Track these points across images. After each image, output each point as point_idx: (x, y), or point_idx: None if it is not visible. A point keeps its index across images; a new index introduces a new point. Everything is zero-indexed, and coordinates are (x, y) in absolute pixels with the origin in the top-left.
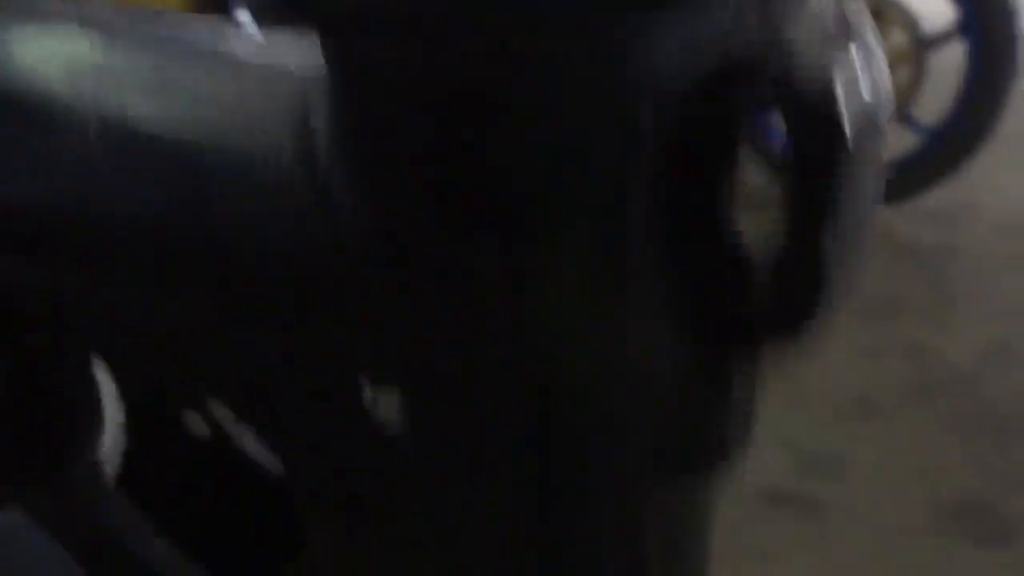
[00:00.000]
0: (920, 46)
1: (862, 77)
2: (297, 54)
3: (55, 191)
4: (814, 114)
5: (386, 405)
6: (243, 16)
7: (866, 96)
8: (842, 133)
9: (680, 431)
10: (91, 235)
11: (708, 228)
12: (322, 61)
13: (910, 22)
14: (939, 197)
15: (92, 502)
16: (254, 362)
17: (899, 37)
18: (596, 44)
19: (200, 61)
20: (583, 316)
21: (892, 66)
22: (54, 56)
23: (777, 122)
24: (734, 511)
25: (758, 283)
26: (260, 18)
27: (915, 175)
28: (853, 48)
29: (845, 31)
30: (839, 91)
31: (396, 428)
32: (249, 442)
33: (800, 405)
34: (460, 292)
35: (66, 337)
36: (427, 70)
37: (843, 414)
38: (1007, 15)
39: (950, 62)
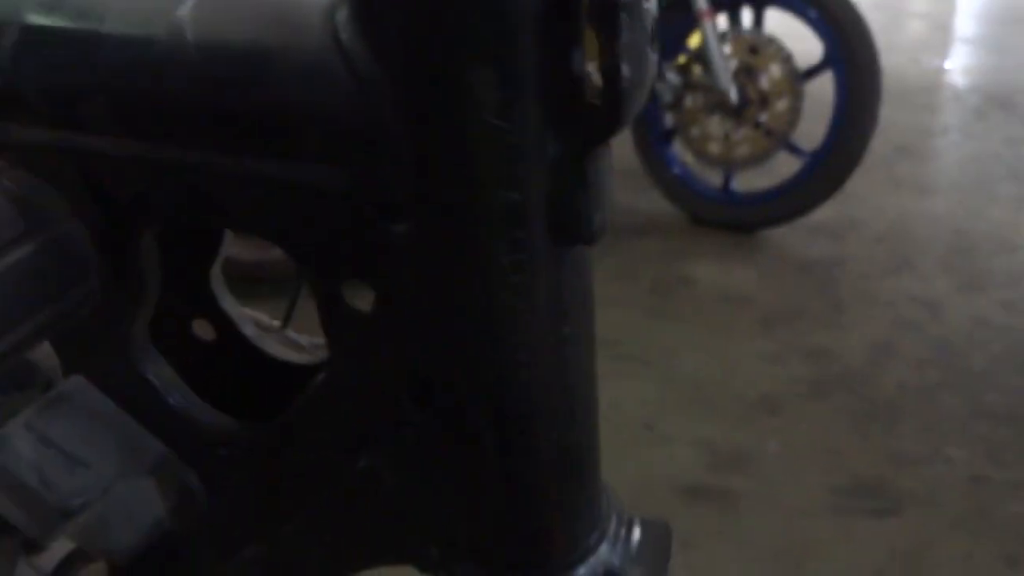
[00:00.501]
0: (796, 78)
1: None
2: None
3: (157, 83)
4: None
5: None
6: None
7: None
8: None
9: (558, 208)
10: (182, 115)
11: (570, 45)
12: None
13: (785, 57)
14: (824, 215)
15: (141, 362)
16: (298, 202)
17: (776, 71)
18: None
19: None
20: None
21: (773, 98)
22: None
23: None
24: (656, 507)
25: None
26: None
27: (801, 196)
28: None
29: None
30: None
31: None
32: (254, 333)
33: (712, 408)
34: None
35: (140, 211)
36: None
37: (750, 413)
38: (867, 45)
39: (826, 92)
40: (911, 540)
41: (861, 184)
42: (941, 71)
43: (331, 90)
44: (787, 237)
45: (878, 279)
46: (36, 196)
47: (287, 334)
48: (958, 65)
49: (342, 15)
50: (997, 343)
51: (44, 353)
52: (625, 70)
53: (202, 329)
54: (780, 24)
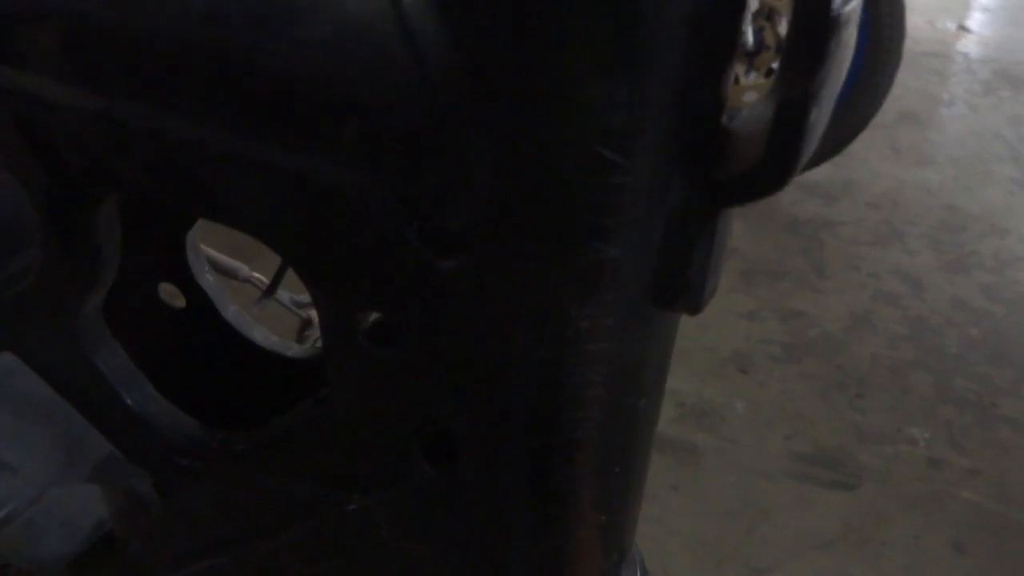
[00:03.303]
0: None
1: None
2: None
3: (133, 19)
4: None
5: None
6: None
7: None
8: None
9: (668, 270)
10: (166, 70)
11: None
12: None
13: None
14: (820, 174)
15: (90, 348)
16: (315, 206)
17: None
18: None
19: None
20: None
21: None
22: None
23: None
24: None
25: (740, 147)
26: None
27: None
28: None
29: None
30: None
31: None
32: (230, 311)
33: (685, 360)
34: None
35: (97, 179)
36: None
37: (721, 369)
38: (897, 5)
39: None
40: (864, 515)
41: (860, 146)
42: (955, 37)
43: (382, 72)
44: (779, 194)
45: (865, 247)
46: None
47: (276, 298)
48: (973, 32)
49: None
50: (973, 327)
51: None
52: (814, 112)
53: (171, 296)
54: None
